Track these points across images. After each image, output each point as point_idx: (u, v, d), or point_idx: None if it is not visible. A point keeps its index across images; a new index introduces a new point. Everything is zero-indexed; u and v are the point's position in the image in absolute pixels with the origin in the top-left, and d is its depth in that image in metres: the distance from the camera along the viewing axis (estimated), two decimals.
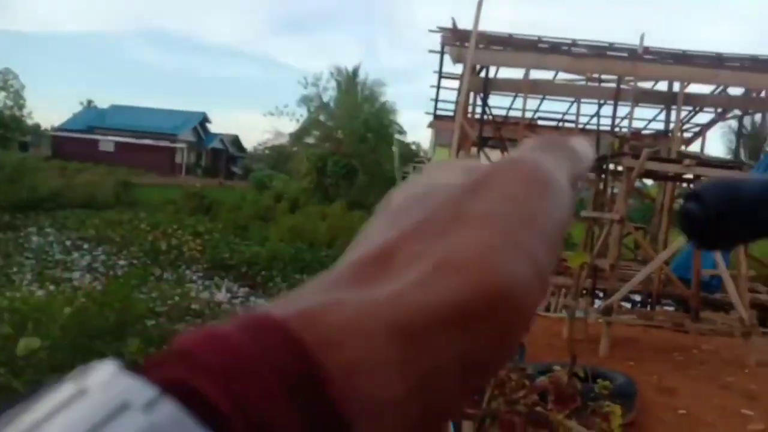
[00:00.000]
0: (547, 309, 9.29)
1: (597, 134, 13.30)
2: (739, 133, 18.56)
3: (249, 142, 57.66)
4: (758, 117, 20.79)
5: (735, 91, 11.45)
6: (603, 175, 7.40)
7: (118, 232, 15.77)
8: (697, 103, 10.64)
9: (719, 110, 13.06)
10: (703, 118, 13.77)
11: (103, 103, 52.31)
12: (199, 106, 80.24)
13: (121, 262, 12.50)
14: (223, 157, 53.14)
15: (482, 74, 9.55)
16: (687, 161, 6.43)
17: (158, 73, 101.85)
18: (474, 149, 9.37)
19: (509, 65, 8.92)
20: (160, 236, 15.66)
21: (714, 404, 5.04)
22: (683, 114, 11.50)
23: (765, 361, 6.43)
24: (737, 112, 13.17)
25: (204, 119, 52.05)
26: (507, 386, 3.73)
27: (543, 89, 10.09)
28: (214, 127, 54.19)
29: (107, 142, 43.42)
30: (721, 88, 11.25)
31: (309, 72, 77.64)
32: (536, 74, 11.40)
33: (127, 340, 3.30)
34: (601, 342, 6.30)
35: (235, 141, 57.25)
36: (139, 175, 30.71)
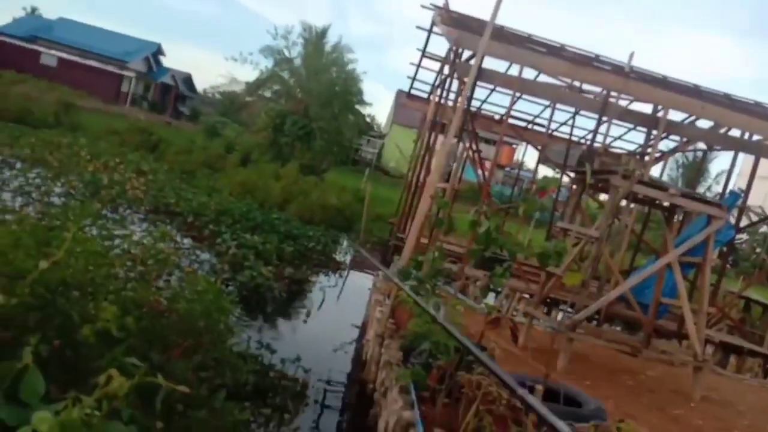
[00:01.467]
0: (499, 311, 9.29)
1: (569, 143, 13.37)
2: (700, 166, 19.17)
3: (200, 83, 55.49)
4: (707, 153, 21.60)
5: (702, 123, 11.71)
6: (582, 188, 7.32)
7: (55, 155, 14.64)
8: (671, 130, 10.78)
9: (684, 140, 13.37)
10: (664, 144, 14.09)
11: (48, 12, 48.89)
12: (153, 36, 76.03)
13: (58, 190, 11.62)
14: (172, 94, 50.84)
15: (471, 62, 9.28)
16: (672, 190, 6.42)
17: None
18: (454, 138, 9.11)
19: (511, 60, 8.69)
20: (101, 168, 14.68)
21: None
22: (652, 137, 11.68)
23: (708, 396, 6.61)
24: (701, 145, 13.51)
25: (158, 51, 49.52)
26: (496, 403, 3.55)
27: (530, 88, 9.93)
28: (166, 61, 51.74)
29: (50, 56, 40.57)
30: (692, 118, 11.46)
31: (275, 23, 75.02)
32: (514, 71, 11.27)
33: (98, 301, 2.88)
34: (560, 357, 6.27)
35: (187, 80, 54.93)
36: (82, 98, 28.83)
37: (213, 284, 3.81)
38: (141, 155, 19.31)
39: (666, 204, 7.15)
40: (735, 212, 10.95)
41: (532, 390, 4.12)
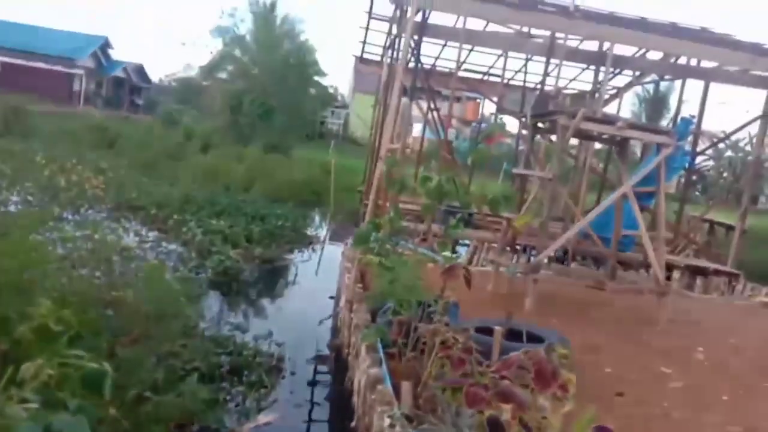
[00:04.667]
0: (470, 262, 9.41)
1: (523, 90, 13.40)
2: (651, 97, 19.34)
3: (155, 73, 54.14)
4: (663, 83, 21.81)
5: (653, 55, 11.79)
6: (534, 132, 7.37)
7: (9, 164, 14.27)
8: (621, 65, 10.85)
9: (637, 73, 13.47)
10: (619, 80, 14.17)
11: None
12: (99, 29, 73.79)
13: (15, 198, 11.35)
14: (126, 87, 49.60)
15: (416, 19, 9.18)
16: (620, 123, 6.49)
17: None
18: (404, 99, 9.05)
19: (449, 11, 8.60)
20: (58, 171, 14.35)
21: (635, 362, 5.24)
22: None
23: (675, 319, 6.82)
24: (654, 76, 13.63)
25: (105, 44, 48.08)
26: (453, 348, 3.62)
27: (477, 39, 9.88)
28: (116, 54, 50.29)
29: None
30: (642, 51, 11.52)
31: (224, 2, 73.11)
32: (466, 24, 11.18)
33: (35, 299, 2.85)
34: (527, 298, 6.40)
35: (140, 70, 53.52)
36: (32, 102, 27.96)
37: (161, 270, 3.79)
38: (99, 154, 18.89)
39: (618, 138, 7.24)
40: (691, 139, 11.14)
41: (492, 332, 4.22)
